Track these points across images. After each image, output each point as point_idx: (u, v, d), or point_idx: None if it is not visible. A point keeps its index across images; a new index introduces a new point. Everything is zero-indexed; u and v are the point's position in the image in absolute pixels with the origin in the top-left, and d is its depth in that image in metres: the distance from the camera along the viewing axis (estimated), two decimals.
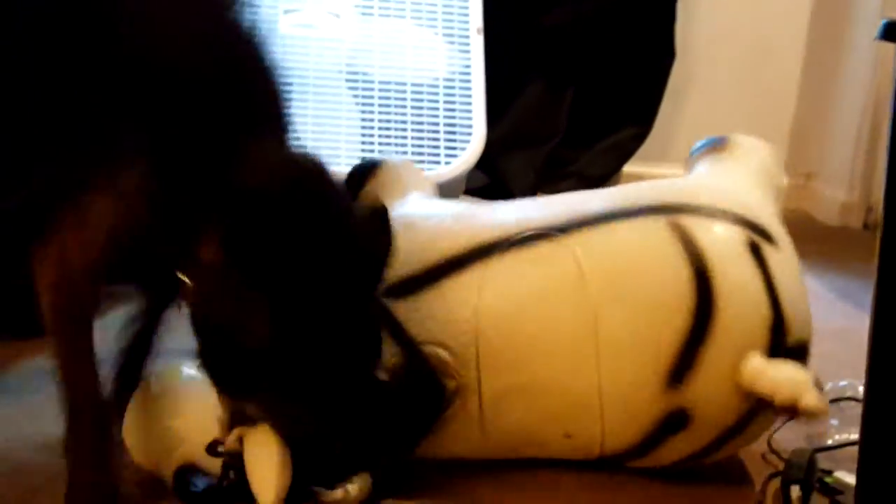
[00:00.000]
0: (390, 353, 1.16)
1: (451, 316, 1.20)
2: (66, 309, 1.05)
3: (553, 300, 1.18)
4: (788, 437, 1.29)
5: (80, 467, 1.06)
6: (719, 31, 2.92)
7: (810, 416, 1.10)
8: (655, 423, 1.17)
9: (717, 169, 1.33)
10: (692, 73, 2.81)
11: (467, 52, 2.24)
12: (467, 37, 2.33)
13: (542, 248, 1.21)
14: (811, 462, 1.18)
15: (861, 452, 1.00)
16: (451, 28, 2.39)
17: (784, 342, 1.15)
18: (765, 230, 1.20)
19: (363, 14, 2.40)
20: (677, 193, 1.24)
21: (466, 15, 2.39)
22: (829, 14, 2.88)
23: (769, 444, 1.27)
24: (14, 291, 1.53)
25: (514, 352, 1.19)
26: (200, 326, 1.05)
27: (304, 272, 1.02)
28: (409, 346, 1.18)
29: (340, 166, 2.42)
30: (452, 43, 2.35)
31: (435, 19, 2.39)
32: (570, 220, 1.23)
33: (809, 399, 1.09)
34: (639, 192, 1.27)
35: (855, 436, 0.99)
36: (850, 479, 1.12)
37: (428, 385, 1.18)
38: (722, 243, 1.17)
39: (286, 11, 2.38)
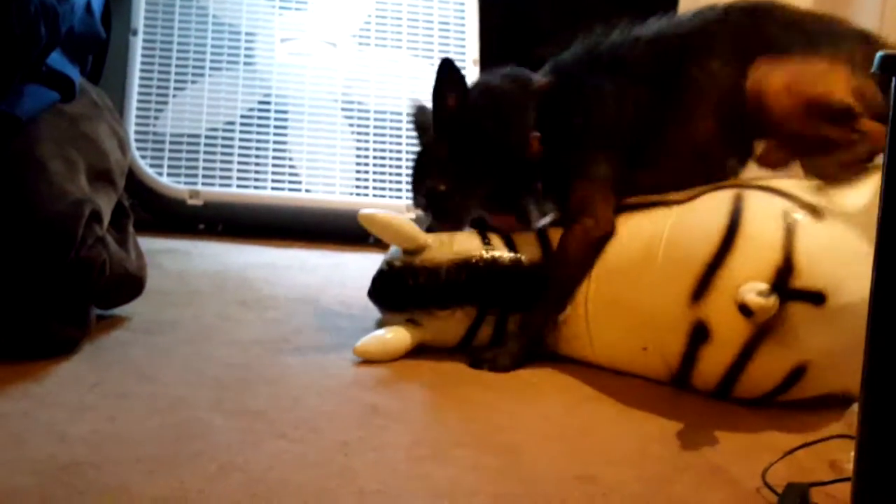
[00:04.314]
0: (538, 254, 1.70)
1: None
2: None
3: (646, 240, 1.58)
4: (783, 471, 1.29)
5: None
6: None
7: (758, 313, 1.39)
8: (688, 333, 1.48)
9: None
10: None
11: None
12: (464, 67, 2.35)
13: (659, 210, 1.62)
14: (804, 497, 1.18)
15: (854, 488, 0.99)
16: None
17: (787, 283, 1.41)
18: (812, 206, 1.47)
19: (360, 44, 2.40)
20: (770, 181, 1.55)
21: (463, 46, 2.40)
22: None
23: (763, 478, 1.26)
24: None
25: (616, 274, 1.60)
26: None
27: None
28: (547, 249, 1.70)
29: (335, 195, 2.43)
30: None
31: (431, 50, 2.40)
32: (692, 195, 1.62)
33: (749, 298, 1.38)
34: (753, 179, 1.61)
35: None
36: None
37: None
38: (759, 202, 1.49)
39: (283, 40, 2.39)
